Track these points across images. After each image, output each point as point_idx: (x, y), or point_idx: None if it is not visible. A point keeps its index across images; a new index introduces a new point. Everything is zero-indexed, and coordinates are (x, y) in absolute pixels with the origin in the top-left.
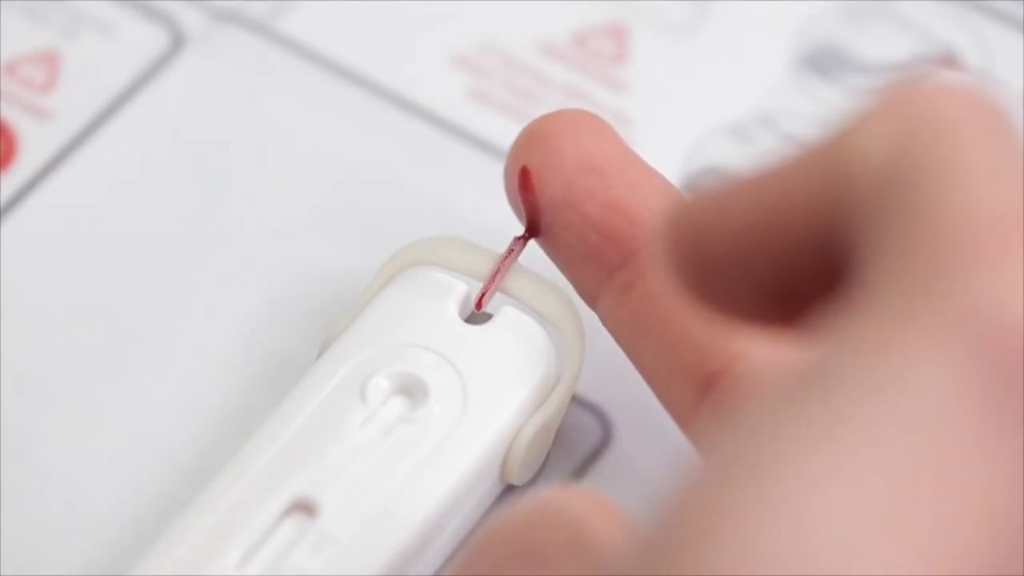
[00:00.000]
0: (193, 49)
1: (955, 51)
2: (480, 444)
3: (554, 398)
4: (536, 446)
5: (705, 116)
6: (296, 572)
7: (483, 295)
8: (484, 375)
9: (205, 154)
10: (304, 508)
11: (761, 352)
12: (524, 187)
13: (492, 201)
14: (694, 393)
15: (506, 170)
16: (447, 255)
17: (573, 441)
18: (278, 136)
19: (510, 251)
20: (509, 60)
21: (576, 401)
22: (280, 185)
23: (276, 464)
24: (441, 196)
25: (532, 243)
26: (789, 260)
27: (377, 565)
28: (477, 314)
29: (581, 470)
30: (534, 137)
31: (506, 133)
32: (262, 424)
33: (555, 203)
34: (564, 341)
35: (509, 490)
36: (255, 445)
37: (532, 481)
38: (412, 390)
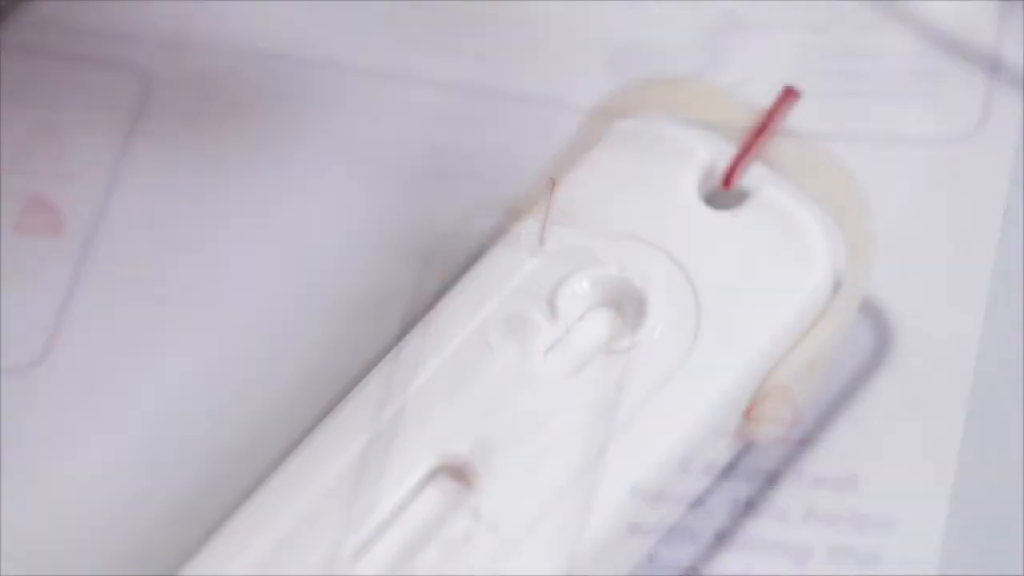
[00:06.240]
0: (159, 82)
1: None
2: (715, 390)
3: (827, 323)
4: (795, 392)
5: None
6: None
7: (735, 166)
8: (727, 286)
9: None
10: (458, 475)
11: None
12: None
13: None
14: None
15: None
16: (685, 101)
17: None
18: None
19: (777, 104)
20: None
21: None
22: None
23: (412, 419)
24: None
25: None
26: None
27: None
28: (724, 193)
29: (847, 394)
30: None
31: None
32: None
33: None
34: (844, 237)
35: (746, 450)
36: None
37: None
38: (622, 304)
